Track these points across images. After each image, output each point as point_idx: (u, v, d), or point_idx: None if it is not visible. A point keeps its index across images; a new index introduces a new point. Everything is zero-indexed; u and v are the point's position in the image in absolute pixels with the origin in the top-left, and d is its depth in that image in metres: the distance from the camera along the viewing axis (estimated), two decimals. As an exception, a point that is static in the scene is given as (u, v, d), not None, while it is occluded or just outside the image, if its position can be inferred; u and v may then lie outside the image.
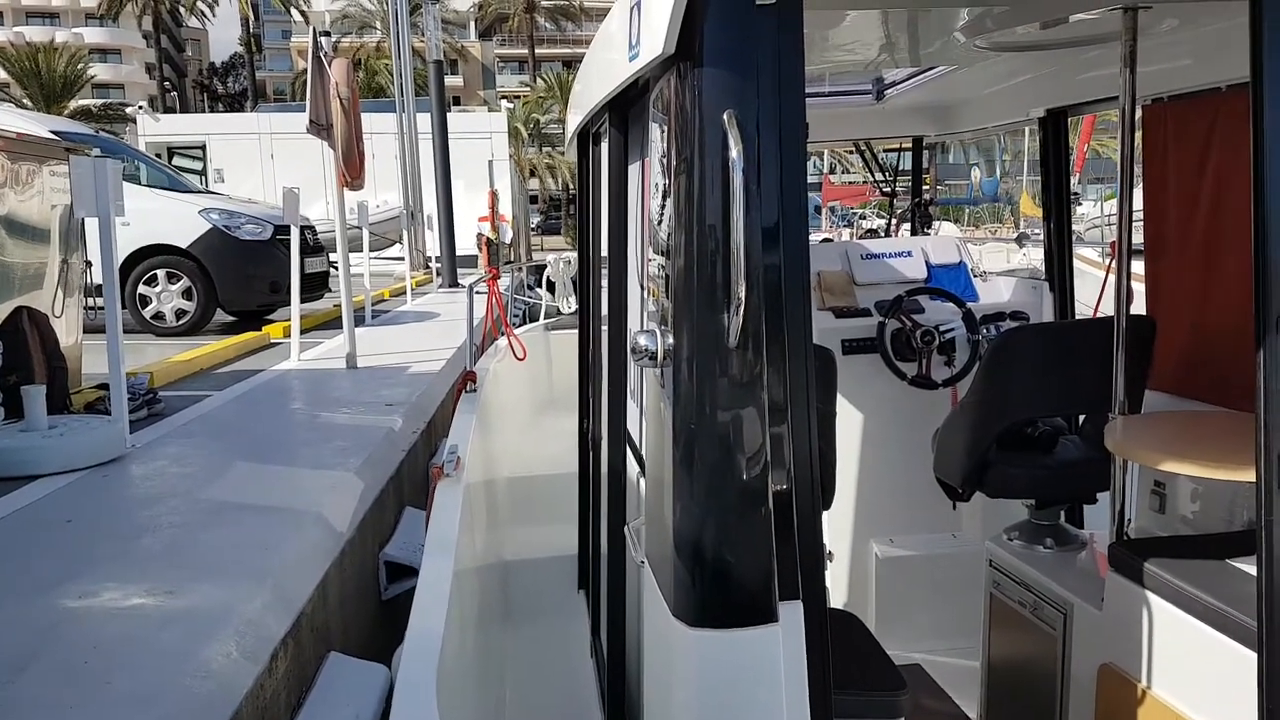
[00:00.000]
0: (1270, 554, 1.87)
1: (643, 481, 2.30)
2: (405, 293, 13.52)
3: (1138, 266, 3.43)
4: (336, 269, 8.43)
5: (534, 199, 45.99)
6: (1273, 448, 1.85)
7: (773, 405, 1.68)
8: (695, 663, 1.74)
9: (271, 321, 10.39)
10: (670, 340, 1.73)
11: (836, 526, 4.19)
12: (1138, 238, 3.57)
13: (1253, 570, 1.96)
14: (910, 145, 5.50)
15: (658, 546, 1.88)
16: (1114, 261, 2.99)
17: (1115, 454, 2.79)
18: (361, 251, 11.30)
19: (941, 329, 4.05)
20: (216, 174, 21.73)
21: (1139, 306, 3.53)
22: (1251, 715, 1.94)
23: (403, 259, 15.31)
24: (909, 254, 4.42)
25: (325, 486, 4.33)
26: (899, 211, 5.92)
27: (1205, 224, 3.18)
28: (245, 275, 10.02)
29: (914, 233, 5.41)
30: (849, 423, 4.14)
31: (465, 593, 2.85)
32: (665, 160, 1.78)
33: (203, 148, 22.48)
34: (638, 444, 2.48)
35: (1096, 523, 3.37)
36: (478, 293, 5.38)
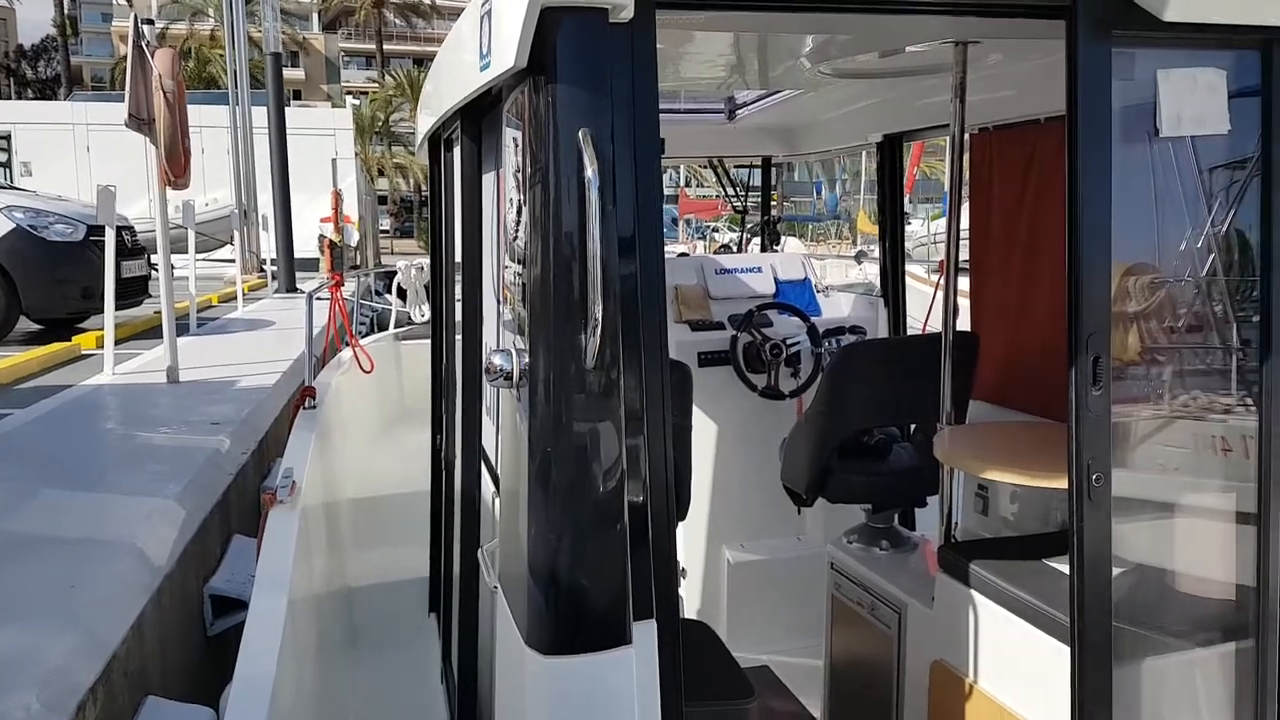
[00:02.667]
0: (1081, 555, 2.04)
1: (498, 502, 2.27)
2: (236, 299, 12.77)
3: (964, 284, 3.68)
4: (158, 272, 7.84)
5: (383, 200, 44.62)
6: (1083, 457, 2.02)
7: (629, 423, 1.69)
8: (547, 691, 1.72)
9: (83, 331, 9.44)
10: (526, 360, 1.71)
11: (691, 536, 4.27)
12: (964, 257, 3.84)
13: (1066, 568, 2.13)
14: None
15: (512, 571, 1.86)
16: (942, 278, 3.19)
17: (943, 462, 2.97)
18: (186, 254, 10.62)
19: (788, 342, 4.20)
20: (23, 167, 19.98)
21: (965, 323, 3.79)
22: (1066, 707, 2.10)
23: (234, 262, 14.52)
24: (759, 269, 4.57)
25: (141, 515, 4.00)
26: (750, 227, 6.10)
27: (1024, 245, 3.44)
28: (54, 280, 9.18)
29: (763, 249, 5.60)
30: (703, 433, 4.23)
31: (302, 625, 2.73)
32: (519, 175, 1.77)
33: (7, 138, 20.64)
34: (493, 463, 2.45)
35: (929, 525, 3.57)
36: (319, 299, 5.14)
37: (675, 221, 31.17)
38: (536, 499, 1.69)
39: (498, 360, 1.72)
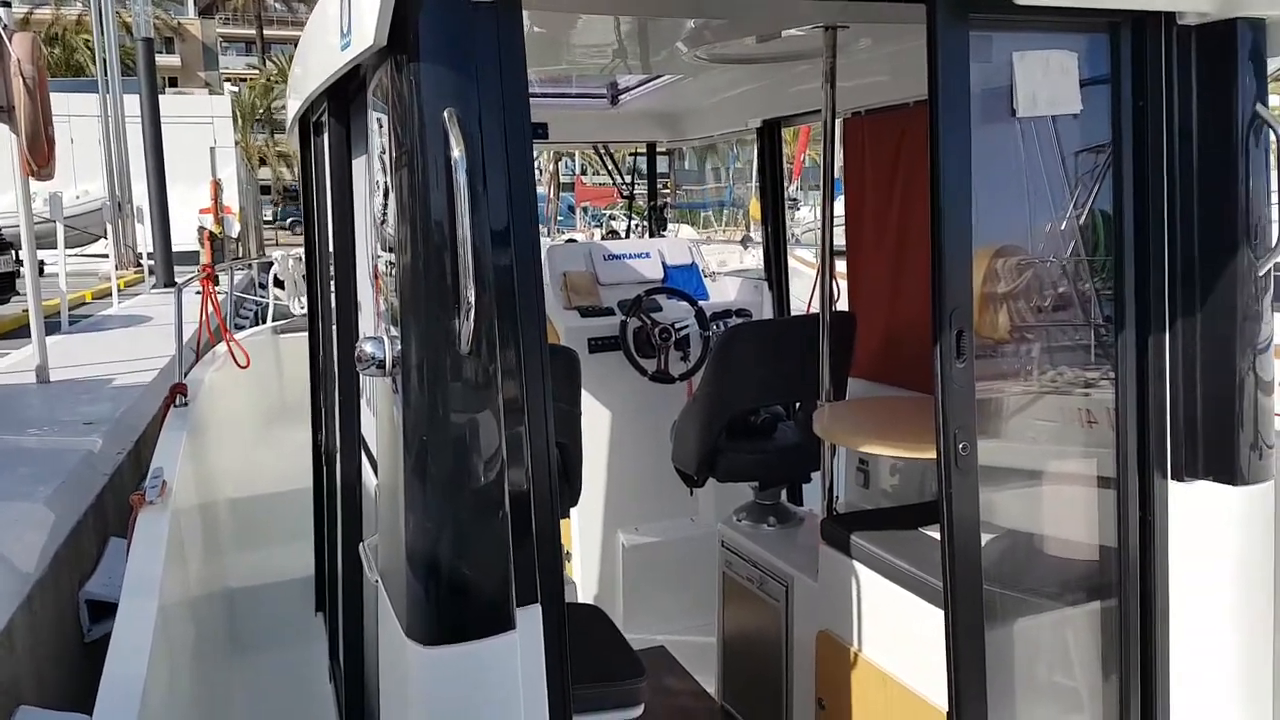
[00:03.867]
0: (951, 521, 2.12)
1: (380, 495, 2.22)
2: (111, 294, 12.13)
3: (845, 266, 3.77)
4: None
5: (266, 190, 42.95)
6: (950, 427, 2.10)
7: (509, 409, 1.67)
8: (429, 682, 1.69)
9: (-55, 331, 8.96)
10: (399, 347, 1.66)
11: (585, 521, 4.28)
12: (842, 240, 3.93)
13: (939, 536, 2.21)
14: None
15: (391, 564, 1.82)
16: (830, 261, 3.26)
17: (822, 437, 3.05)
18: (56, 248, 10.03)
19: (677, 326, 4.24)
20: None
21: (846, 303, 3.89)
22: (943, 670, 2.18)
23: (107, 256, 13.78)
24: (647, 255, 4.59)
25: (8, 520, 3.81)
26: (640, 213, 6.13)
27: (897, 227, 3.55)
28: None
29: (651, 235, 5.63)
30: (596, 419, 4.24)
31: (176, 628, 2.63)
32: (385, 157, 1.72)
33: None
34: (375, 455, 2.39)
35: (817, 500, 3.66)
36: (195, 293, 4.93)
37: (572, 209, 31.04)
38: (413, 488, 1.66)
39: (369, 348, 1.67)
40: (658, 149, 5.43)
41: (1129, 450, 2.33)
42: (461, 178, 1.53)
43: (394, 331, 1.70)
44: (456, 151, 1.53)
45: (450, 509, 1.66)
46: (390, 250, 1.73)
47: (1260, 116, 2.24)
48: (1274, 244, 2.27)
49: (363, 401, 2.43)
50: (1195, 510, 2.31)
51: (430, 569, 1.66)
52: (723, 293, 4.68)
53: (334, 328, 2.55)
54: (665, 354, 4.21)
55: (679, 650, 3.96)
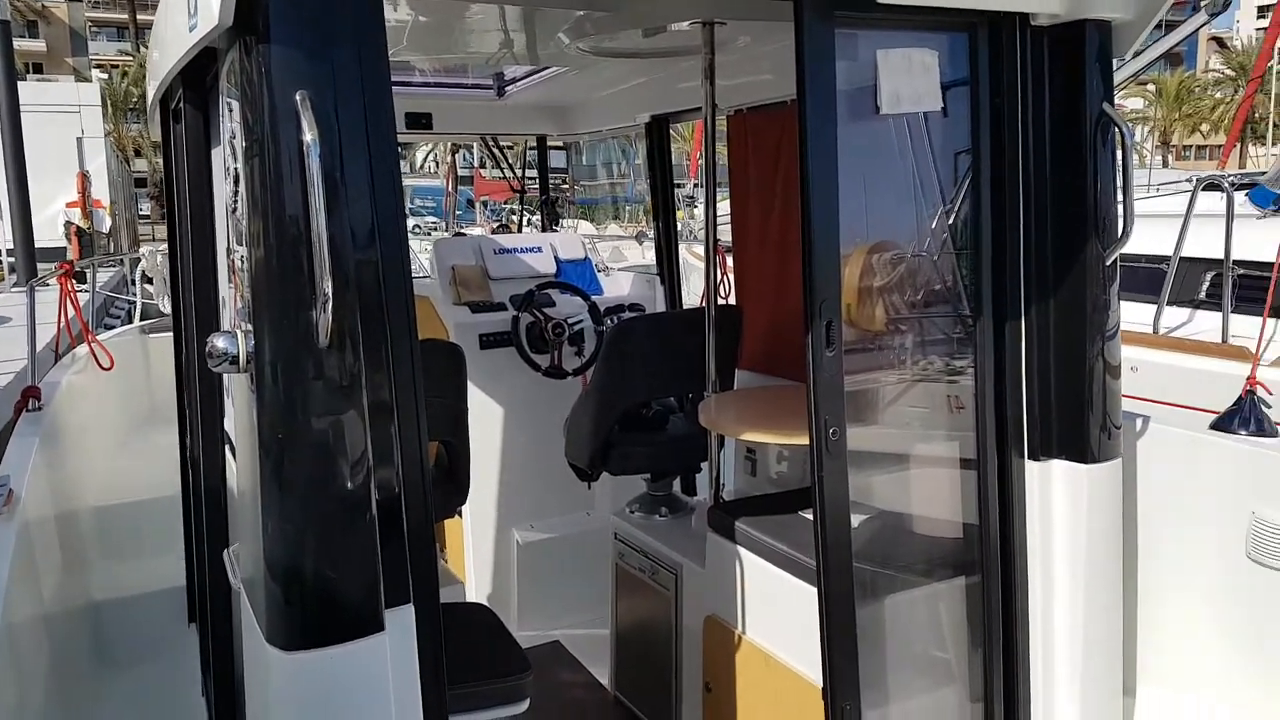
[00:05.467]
0: (823, 503, 2.19)
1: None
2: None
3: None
4: None
5: (141, 182, 40.89)
6: (821, 413, 2.17)
7: (376, 406, 1.64)
8: (292, 688, 1.65)
9: None
10: (253, 342, 1.61)
11: (479, 519, 4.24)
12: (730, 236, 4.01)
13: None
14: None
15: (251, 569, 1.77)
16: (716, 256, 3.33)
17: (708, 428, 3.12)
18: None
19: (571, 321, 4.24)
20: None
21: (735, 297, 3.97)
22: (819, 646, 2.26)
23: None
24: (539, 249, 4.57)
25: None
26: (531, 207, 6.11)
27: (779, 222, 3.64)
28: None
29: (543, 229, 5.61)
30: (488, 416, 4.21)
31: (29, 645, 2.50)
32: (236, 142, 1.67)
33: None
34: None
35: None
36: (42, 288, 4.65)
37: (471, 203, 30.60)
38: (270, 489, 1.61)
39: (221, 343, 1.60)
40: (549, 143, 5.42)
41: (988, 432, 2.46)
42: (315, 163, 1.48)
43: (248, 326, 1.64)
44: (309, 136, 1.49)
45: (309, 509, 1.61)
46: (242, 241, 1.68)
47: (1107, 115, 2.39)
48: (1120, 236, 2.42)
49: (228, 402, 2.36)
50: (1050, 487, 2.46)
51: (289, 572, 1.62)
52: (616, 287, 4.71)
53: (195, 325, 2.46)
54: (559, 349, 4.20)
55: (574, 644, 3.98)
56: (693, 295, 4.67)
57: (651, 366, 3.49)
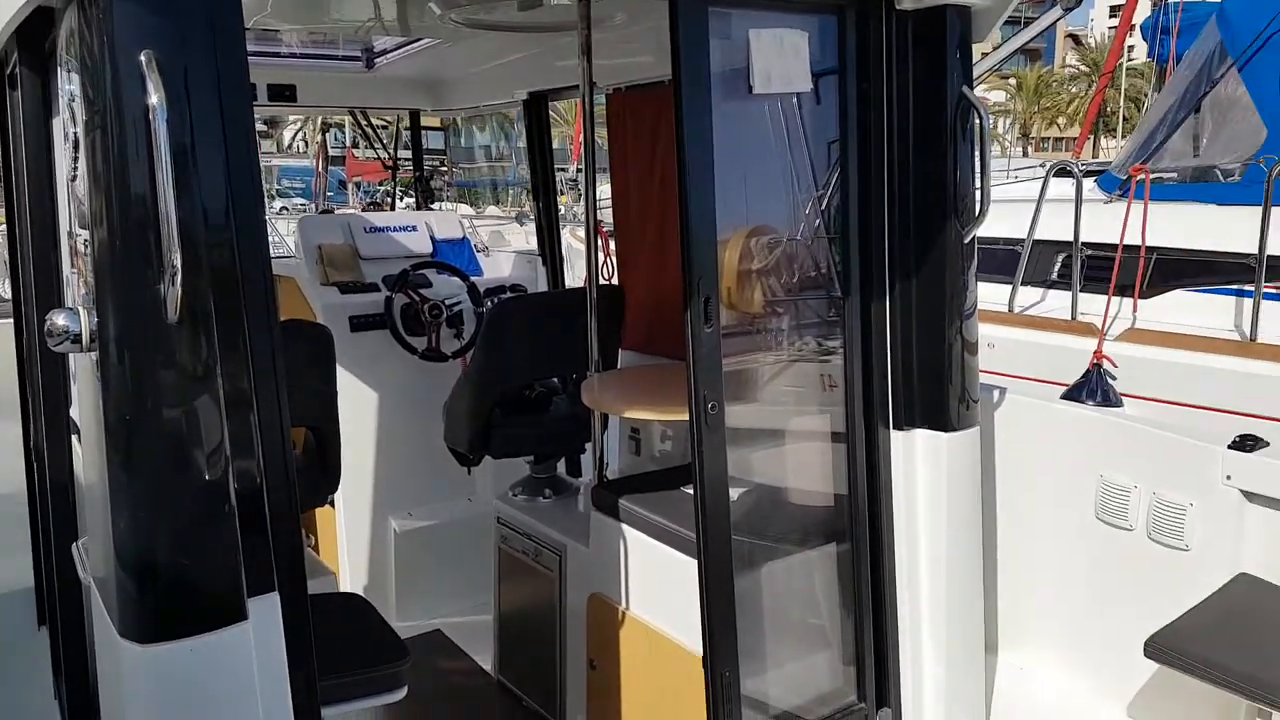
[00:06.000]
0: (702, 476, 2.23)
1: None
2: None
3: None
4: None
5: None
6: (700, 388, 2.20)
7: (232, 387, 1.55)
8: (149, 683, 1.56)
9: None
10: (96, 319, 1.50)
11: (355, 507, 4.12)
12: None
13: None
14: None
15: (101, 561, 1.66)
16: (600, 238, 3.32)
17: (590, 407, 3.12)
18: None
19: (448, 302, 4.15)
20: None
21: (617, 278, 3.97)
22: (699, 616, 2.30)
23: None
24: (414, 228, 4.45)
25: None
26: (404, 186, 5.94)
27: (658, 203, 3.66)
28: None
29: (418, 207, 5.47)
30: (362, 401, 4.08)
31: None
32: (77, 107, 1.55)
33: None
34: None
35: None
36: None
37: (343, 184, 29.55)
38: (119, 475, 1.51)
39: (62, 320, 1.49)
40: (425, 121, 5.28)
41: (856, 405, 2.55)
42: (162, 128, 1.39)
43: (92, 302, 1.54)
44: (155, 98, 1.39)
45: (161, 495, 1.52)
46: (84, 213, 1.56)
47: (967, 98, 2.49)
48: (977, 215, 2.53)
49: (74, 388, 2.20)
50: (914, 455, 2.57)
51: (141, 562, 1.53)
52: (497, 268, 4.64)
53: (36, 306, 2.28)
54: (436, 331, 4.11)
55: (456, 632, 3.92)
56: (577, 280, 4.65)
57: (533, 347, 3.46)
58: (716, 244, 2.20)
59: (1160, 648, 2.33)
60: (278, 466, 1.63)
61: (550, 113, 4.48)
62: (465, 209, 23.90)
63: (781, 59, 2.33)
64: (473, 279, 4.25)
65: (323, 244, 4.14)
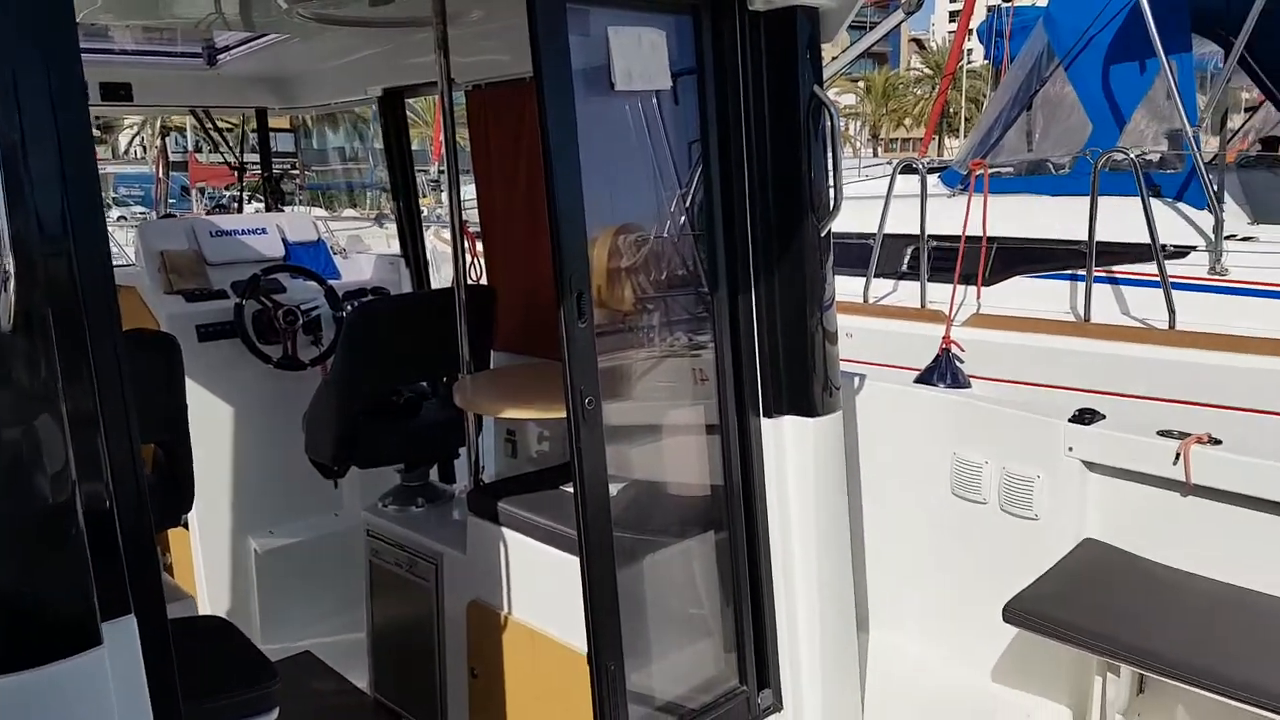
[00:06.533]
0: (581, 472, 2.22)
1: None
2: None
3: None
4: None
5: None
6: (576, 384, 2.19)
7: (75, 404, 1.44)
8: (2, 715, 1.45)
9: None
10: None
11: (211, 528, 3.90)
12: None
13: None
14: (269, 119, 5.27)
15: None
16: (466, 239, 3.25)
17: (464, 409, 3.05)
18: None
19: (304, 308, 3.98)
20: None
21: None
22: (583, 615, 2.28)
23: None
24: (264, 231, 4.25)
25: None
26: (249, 186, 5.67)
27: (525, 200, 3.62)
28: None
29: (268, 209, 5.23)
30: (214, 415, 3.87)
31: None
32: None
33: None
34: None
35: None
36: None
37: (186, 190, 28.00)
38: None
39: None
40: (274, 121, 5.05)
41: (728, 396, 2.60)
42: None
43: None
44: None
45: (1, 517, 1.41)
46: None
47: (818, 96, 2.57)
48: (831, 209, 2.62)
49: None
50: (783, 441, 2.64)
51: None
52: (357, 271, 4.48)
53: None
54: (292, 339, 3.93)
55: (328, 652, 3.77)
56: (443, 282, 4.54)
57: (398, 351, 3.35)
58: (587, 240, 2.20)
59: (1017, 612, 2.47)
60: (128, 483, 1.54)
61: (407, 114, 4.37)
62: (320, 212, 23.06)
63: (641, 56, 2.34)
64: (330, 282, 4.09)
65: (165, 250, 3.89)
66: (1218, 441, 2.56)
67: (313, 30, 3.36)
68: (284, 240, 4.24)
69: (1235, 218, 5.74)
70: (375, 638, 3.39)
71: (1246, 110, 8.93)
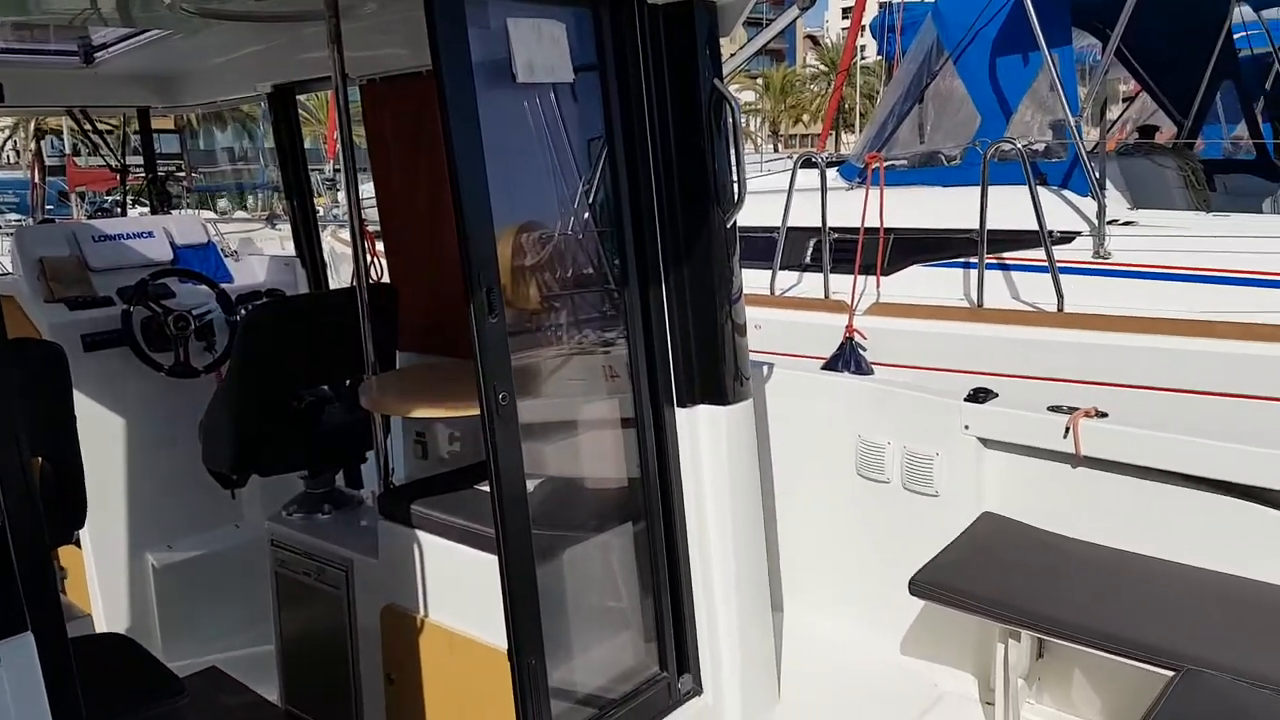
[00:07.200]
0: (498, 468, 2.20)
1: None
2: None
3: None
4: None
5: None
6: (489, 379, 2.16)
7: None
8: None
9: None
10: None
11: (104, 545, 3.73)
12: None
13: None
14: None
15: None
16: (362, 231, 3.16)
17: (371, 410, 2.98)
18: None
19: (196, 313, 3.83)
20: None
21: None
22: (502, 610, 2.26)
23: None
24: (151, 234, 4.07)
25: None
26: (132, 190, 5.41)
27: (427, 197, 3.55)
28: None
29: (154, 212, 5.01)
30: (105, 427, 3.69)
31: None
32: None
33: None
34: None
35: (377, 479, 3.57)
36: None
37: (65, 195, 26.62)
38: None
39: None
40: (157, 122, 4.84)
41: (642, 388, 2.61)
42: None
43: None
44: None
45: None
46: None
47: (718, 90, 2.60)
48: (736, 201, 2.65)
49: None
50: (697, 430, 2.66)
51: None
52: (250, 273, 4.33)
53: None
54: (184, 345, 3.78)
55: (236, 666, 3.64)
56: (343, 284, 4.43)
57: (297, 354, 3.25)
58: (494, 234, 2.17)
59: (922, 585, 2.56)
60: (18, 496, 1.46)
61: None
62: (209, 214, 22.21)
63: (542, 48, 2.33)
64: (222, 286, 3.95)
65: (45, 257, 3.69)
66: (1104, 415, 2.70)
67: (197, 25, 3.23)
68: (172, 243, 4.08)
69: (1116, 203, 6.03)
70: (285, 649, 3.29)
71: (1124, 100, 9.41)
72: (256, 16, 3.00)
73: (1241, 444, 2.46)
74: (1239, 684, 2.02)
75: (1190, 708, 1.97)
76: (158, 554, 3.78)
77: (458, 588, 2.66)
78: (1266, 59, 8.39)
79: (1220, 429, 2.67)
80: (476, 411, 2.21)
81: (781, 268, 6.96)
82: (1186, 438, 2.53)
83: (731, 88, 2.73)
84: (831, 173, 7.11)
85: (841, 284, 6.50)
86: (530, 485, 2.30)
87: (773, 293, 6.93)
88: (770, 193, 7.03)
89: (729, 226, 2.65)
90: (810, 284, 6.91)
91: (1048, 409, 2.76)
